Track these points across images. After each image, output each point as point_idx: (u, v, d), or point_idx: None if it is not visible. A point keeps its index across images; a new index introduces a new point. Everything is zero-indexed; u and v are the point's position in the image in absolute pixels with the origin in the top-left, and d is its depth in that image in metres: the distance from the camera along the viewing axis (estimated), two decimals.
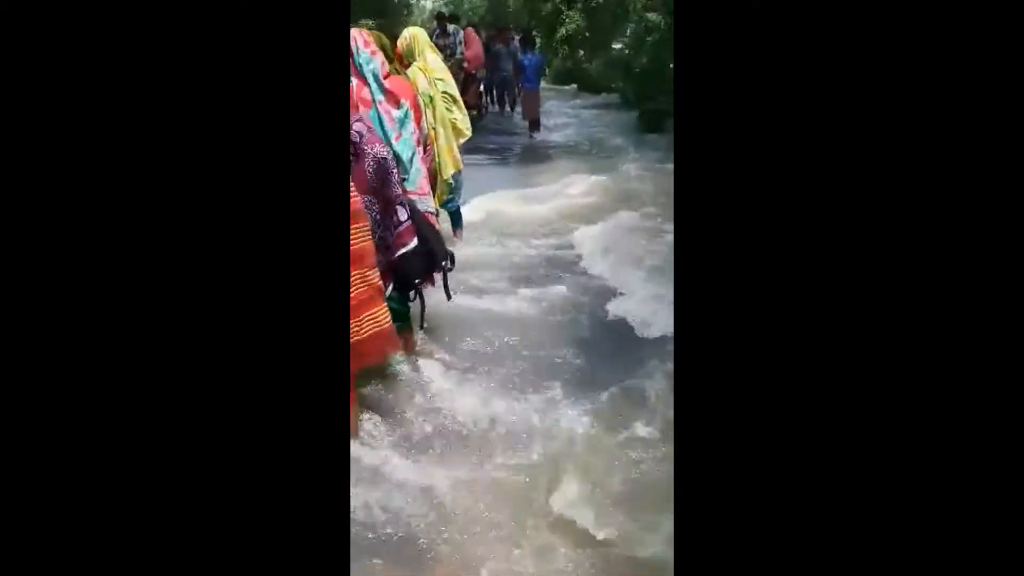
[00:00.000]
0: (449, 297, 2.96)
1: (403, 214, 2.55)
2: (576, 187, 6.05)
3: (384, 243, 2.51)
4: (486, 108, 11.07)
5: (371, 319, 2.25)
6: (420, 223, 2.67)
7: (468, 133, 3.86)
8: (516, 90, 10.40)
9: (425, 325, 2.93)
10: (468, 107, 10.37)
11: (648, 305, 3.39)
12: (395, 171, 2.52)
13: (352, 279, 2.17)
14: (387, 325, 2.29)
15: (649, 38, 9.12)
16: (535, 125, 9.26)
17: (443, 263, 2.82)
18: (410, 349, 2.87)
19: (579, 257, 4.26)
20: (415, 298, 2.80)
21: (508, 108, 11.01)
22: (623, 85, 11.00)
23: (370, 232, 2.31)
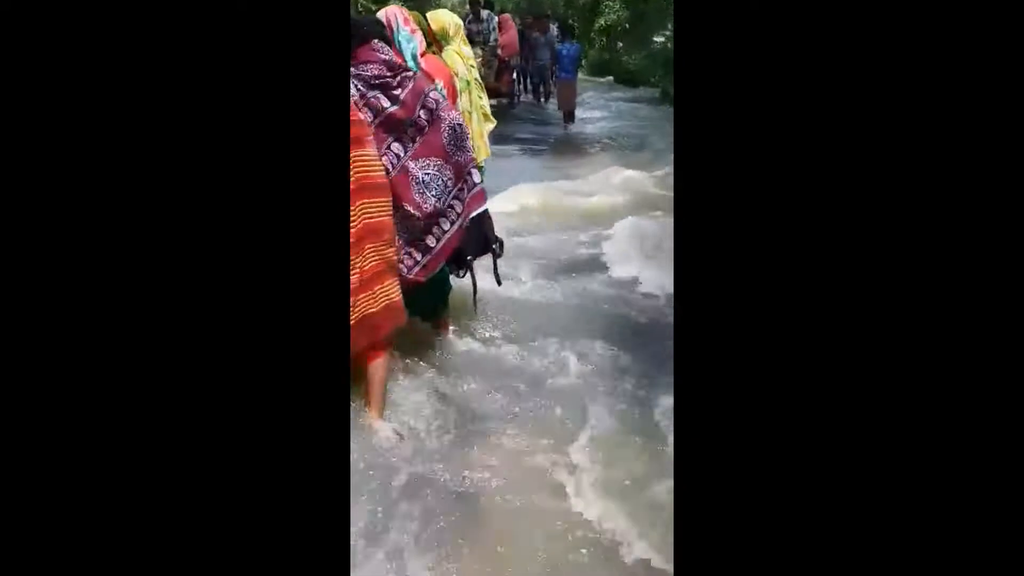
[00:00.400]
0: (499, 282, 2.92)
1: (477, 177, 2.64)
2: (611, 182, 5.81)
3: (454, 211, 2.57)
4: (519, 96, 10.82)
5: (384, 292, 2.31)
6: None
7: (494, 121, 3.80)
8: (551, 80, 10.11)
9: (477, 308, 2.93)
10: (501, 95, 10.19)
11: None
12: (469, 137, 2.63)
13: (367, 252, 2.25)
14: (397, 298, 2.35)
15: None
16: (570, 116, 8.99)
17: (493, 247, 2.81)
18: (443, 329, 2.88)
19: (607, 254, 4.14)
20: (464, 275, 2.79)
21: (543, 98, 10.72)
22: (663, 79, 10.67)
23: (390, 208, 2.36)
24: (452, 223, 2.57)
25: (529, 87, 11.05)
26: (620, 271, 3.88)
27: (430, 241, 2.54)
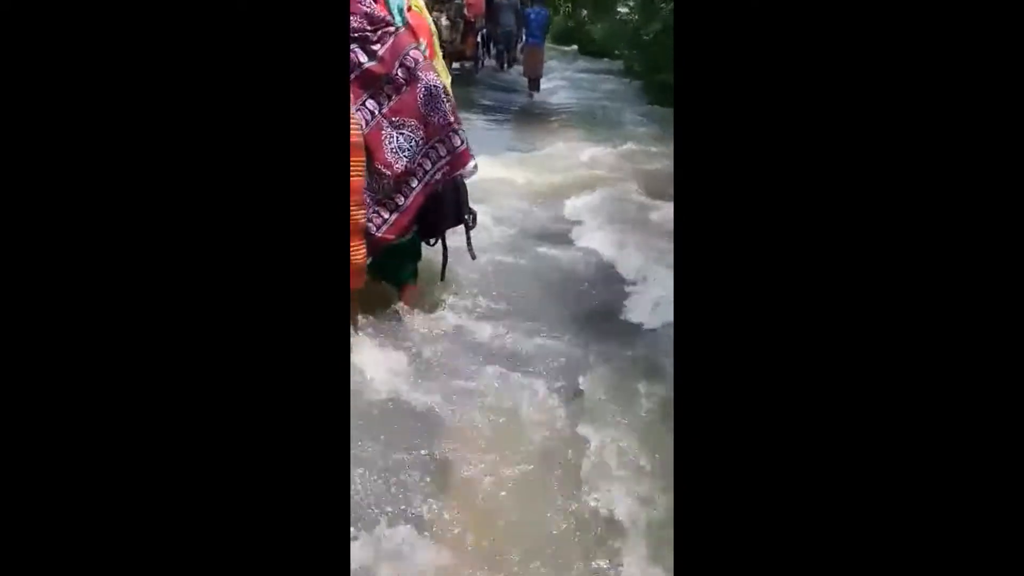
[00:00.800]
0: (473, 256, 2.84)
1: (457, 140, 2.57)
2: (575, 155, 5.63)
3: (423, 169, 2.56)
4: (482, 61, 10.48)
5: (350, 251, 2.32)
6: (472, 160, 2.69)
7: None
8: (518, 45, 9.80)
9: (444, 279, 2.85)
10: (464, 58, 9.86)
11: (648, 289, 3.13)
12: (447, 100, 2.56)
13: None
14: (360, 261, 2.38)
15: (663, 4, 8.56)
16: (535, 84, 8.74)
17: (466, 217, 2.74)
18: (409, 301, 2.79)
19: (572, 228, 3.99)
20: (435, 244, 2.77)
21: (507, 64, 10.41)
22: (628, 52, 10.47)
23: (362, 169, 2.37)
24: (419, 181, 2.57)
25: (493, 52, 10.71)
26: (583, 246, 3.73)
27: (399, 200, 2.55)
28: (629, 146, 6.00)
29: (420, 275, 2.87)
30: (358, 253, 2.38)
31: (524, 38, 9.11)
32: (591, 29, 13.81)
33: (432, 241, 2.78)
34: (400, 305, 2.70)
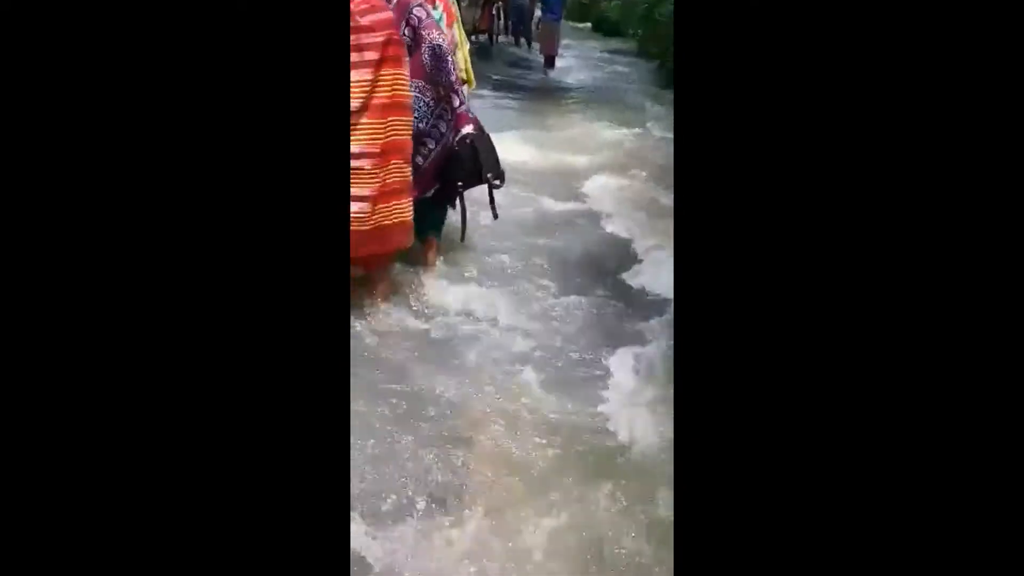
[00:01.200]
0: (496, 215, 2.85)
1: (456, 100, 2.61)
2: (591, 138, 5.56)
3: (438, 131, 2.61)
4: (497, 36, 10.34)
5: (399, 209, 2.44)
6: (473, 122, 2.70)
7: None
8: (534, 22, 9.64)
9: (464, 240, 2.90)
10: (479, 31, 9.71)
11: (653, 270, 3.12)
12: (451, 59, 2.59)
13: (391, 167, 2.40)
14: (409, 218, 2.49)
15: None
16: (551, 61, 8.62)
17: (488, 175, 2.71)
18: (430, 262, 2.86)
19: (590, 211, 3.94)
20: (454, 204, 2.80)
21: (521, 40, 10.24)
22: (640, 32, 10.31)
23: (411, 128, 2.44)
24: (437, 142, 2.64)
25: (508, 27, 10.55)
26: (598, 229, 3.68)
27: (419, 160, 2.60)
28: (647, 127, 5.94)
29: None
30: (407, 211, 2.47)
31: (540, 14, 8.96)
32: (606, 7, 13.60)
33: (452, 203, 2.80)
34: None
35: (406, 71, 2.41)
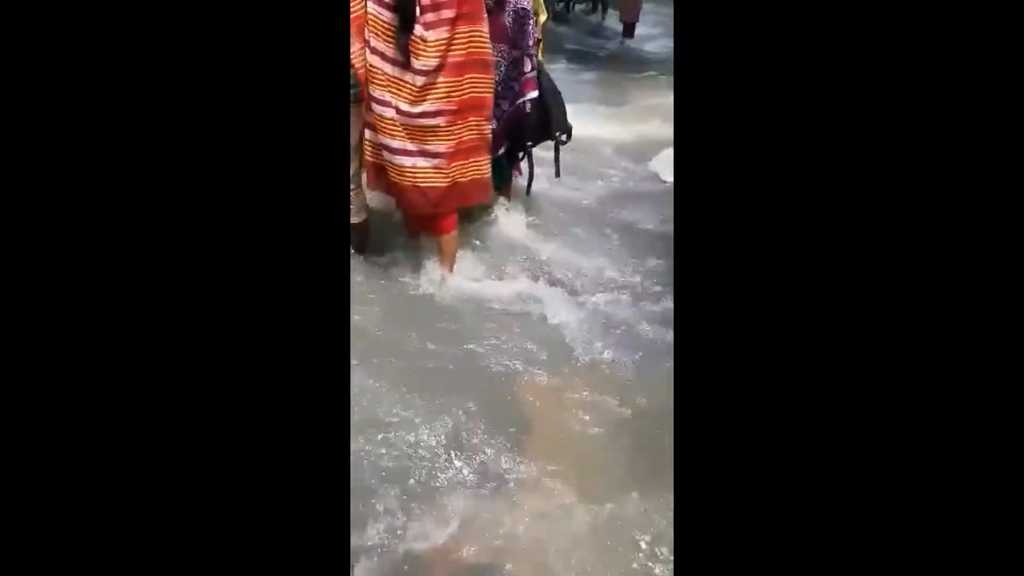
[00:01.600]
0: (558, 173, 3.00)
1: (528, 65, 2.69)
2: (662, 111, 5.09)
3: (512, 91, 2.69)
4: (573, 3, 9.81)
5: (475, 165, 2.48)
6: (545, 83, 2.76)
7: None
8: None
9: (529, 194, 3.02)
10: None
11: None
12: (532, 22, 2.64)
13: (469, 124, 2.42)
14: (487, 175, 2.55)
15: None
16: (630, 30, 8.07)
17: (557, 133, 2.82)
18: (508, 194, 3.03)
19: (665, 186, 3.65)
20: (523, 158, 2.93)
21: (600, 11, 9.64)
22: None
23: (492, 86, 2.46)
24: (510, 103, 2.71)
25: None
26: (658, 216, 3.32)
27: (493, 125, 2.63)
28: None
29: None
30: (484, 168, 2.52)
31: None
32: None
33: (522, 156, 2.92)
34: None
35: (484, 27, 2.38)
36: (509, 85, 2.68)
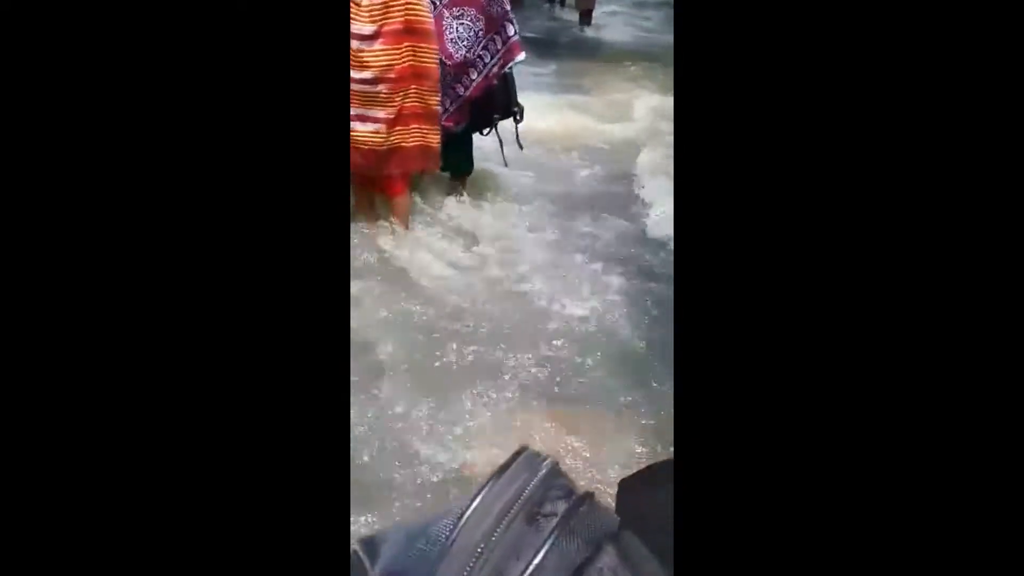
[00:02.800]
0: (521, 146, 3.06)
1: (511, 29, 2.76)
2: (633, 105, 4.86)
3: (482, 61, 2.73)
4: None
5: (420, 132, 2.62)
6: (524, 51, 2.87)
7: None
8: None
9: (506, 163, 3.13)
10: None
11: None
12: None
13: (410, 92, 2.55)
14: (435, 144, 2.66)
15: None
16: (587, 17, 7.82)
17: (514, 110, 2.90)
18: (463, 185, 3.14)
19: (636, 190, 3.55)
20: (490, 132, 2.99)
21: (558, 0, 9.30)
22: None
23: (437, 57, 2.56)
24: (479, 72, 2.75)
25: None
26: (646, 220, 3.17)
27: (459, 89, 2.72)
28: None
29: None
30: (434, 137, 2.63)
31: None
32: None
33: (485, 132, 2.97)
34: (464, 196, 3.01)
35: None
36: (479, 54, 2.71)
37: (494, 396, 2.06)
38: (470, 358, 2.22)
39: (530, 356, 2.24)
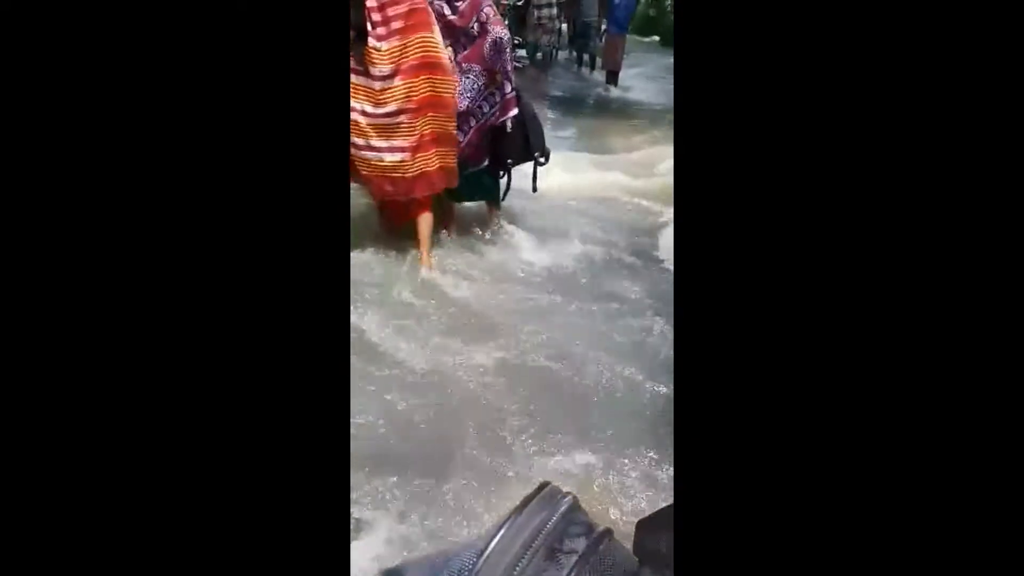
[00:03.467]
0: (535, 189, 3.31)
1: (508, 87, 3.01)
2: (661, 161, 4.93)
3: (481, 111, 3.01)
4: (555, 52, 9.75)
5: (440, 155, 2.83)
6: (525, 107, 3.12)
7: None
8: (598, 38, 8.92)
9: (502, 202, 3.35)
10: (538, 47, 9.13)
11: None
12: (508, 51, 2.98)
13: (428, 119, 2.75)
14: (452, 164, 2.89)
15: None
16: (613, 77, 8.00)
17: (536, 154, 3.17)
18: (491, 224, 3.35)
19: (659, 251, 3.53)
20: (504, 175, 3.23)
21: (587, 66, 9.45)
22: None
23: (455, 89, 2.82)
24: (477, 120, 3.01)
25: (572, 43, 9.92)
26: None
27: (459, 136, 2.94)
28: None
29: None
30: (452, 158, 2.87)
31: (608, 27, 8.30)
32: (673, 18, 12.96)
33: (501, 174, 3.20)
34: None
35: (433, 33, 2.69)
36: (479, 104, 2.98)
37: None
38: None
39: None
